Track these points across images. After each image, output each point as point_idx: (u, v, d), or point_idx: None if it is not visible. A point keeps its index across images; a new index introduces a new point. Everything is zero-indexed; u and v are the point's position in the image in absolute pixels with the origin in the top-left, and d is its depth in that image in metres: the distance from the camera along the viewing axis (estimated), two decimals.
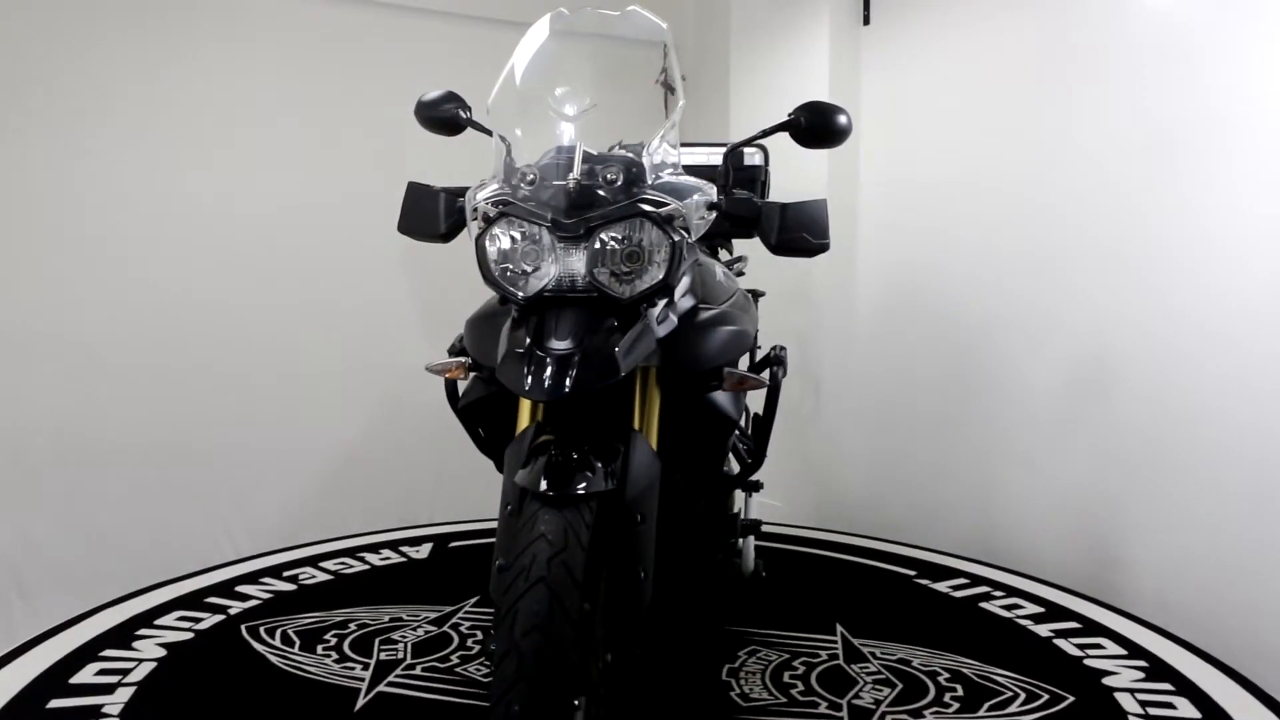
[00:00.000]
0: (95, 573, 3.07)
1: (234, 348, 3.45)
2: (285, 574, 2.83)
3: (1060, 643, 2.39)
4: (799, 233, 1.74)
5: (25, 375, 3.13)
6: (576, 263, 1.50)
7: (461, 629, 2.45)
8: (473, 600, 2.64)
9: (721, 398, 1.72)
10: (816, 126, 1.77)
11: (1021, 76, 3.06)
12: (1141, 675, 2.19)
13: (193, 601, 2.57)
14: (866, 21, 3.62)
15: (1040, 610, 2.60)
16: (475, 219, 1.59)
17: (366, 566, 2.94)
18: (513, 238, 1.52)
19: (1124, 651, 2.32)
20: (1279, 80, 2.37)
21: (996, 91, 3.15)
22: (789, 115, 1.78)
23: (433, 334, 3.64)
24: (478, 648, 2.32)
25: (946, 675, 2.19)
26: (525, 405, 1.63)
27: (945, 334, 3.35)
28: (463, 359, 1.75)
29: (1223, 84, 2.49)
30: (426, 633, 2.42)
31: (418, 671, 2.18)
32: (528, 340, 1.46)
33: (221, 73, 3.39)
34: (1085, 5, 2.87)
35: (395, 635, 2.39)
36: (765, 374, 1.88)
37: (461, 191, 1.82)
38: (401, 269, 3.74)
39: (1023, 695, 2.09)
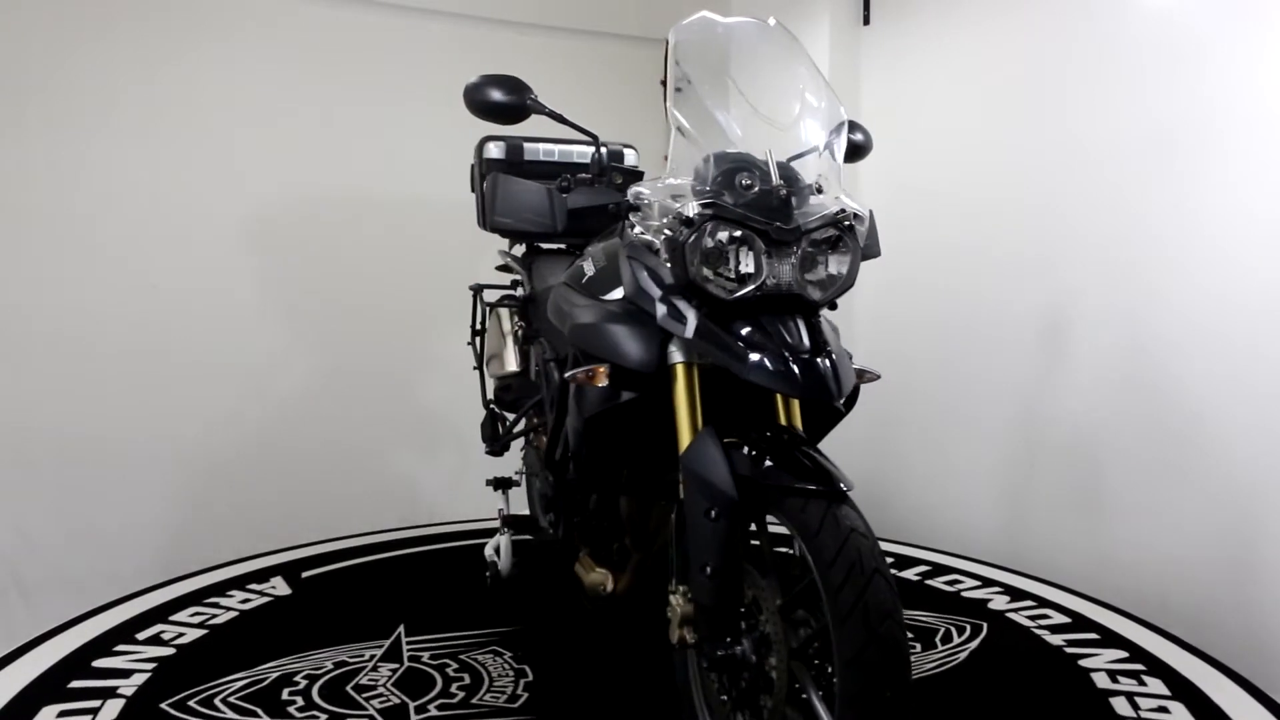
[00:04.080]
0: (95, 573, 3.04)
1: (234, 347, 3.40)
2: (139, 636, 2.31)
3: (931, 583, 2.85)
4: (865, 241, 1.92)
5: (24, 374, 3.11)
6: (783, 267, 1.54)
7: (424, 660, 2.23)
8: (400, 629, 2.40)
9: None
10: (850, 144, 1.96)
11: (1021, 76, 3.08)
12: (1008, 599, 2.71)
13: (56, 691, 2.00)
14: (866, 21, 3.59)
15: (891, 560, 3.06)
16: (659, 218, 1.54)
17: (234, 613, 2.49)
18: (732, 238, 1.50)
19: (979, 583, 2.85)
20: (1279, 80, 2.39)
21: (996, 91, 3.17)
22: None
23: (436, 333, 3.56)
24: (461, 670, 2.14)
25: None
26: (684, 409, 1.61)
27: (944, 333, 3.36)
28: (601, 364, 1.65)
29: (1223, 84, 2.50)
30: (393, 670, 2.17)
31: (434, 713, 1.97)
32: (767, 341, 1.48)
33: (222, 73, 3.35)
34: (1085, 5, 2.88)
35: (362, 680, 2.11)
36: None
37: (564, 188, 1.72)
38: (403, 269, 3.67)
39: (953, 630, 2.49)
